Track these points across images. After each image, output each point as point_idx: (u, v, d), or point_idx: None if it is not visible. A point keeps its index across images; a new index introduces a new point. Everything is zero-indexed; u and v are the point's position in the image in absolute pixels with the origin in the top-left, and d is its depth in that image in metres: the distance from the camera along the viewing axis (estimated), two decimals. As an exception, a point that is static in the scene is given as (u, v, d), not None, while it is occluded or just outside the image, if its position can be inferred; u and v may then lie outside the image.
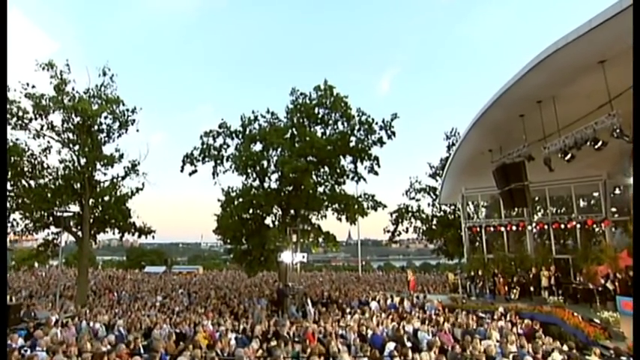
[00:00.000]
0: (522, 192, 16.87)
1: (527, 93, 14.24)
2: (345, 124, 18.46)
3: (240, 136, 20.26)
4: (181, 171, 20.07)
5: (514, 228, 20.86)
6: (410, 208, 26.77)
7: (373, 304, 18.42)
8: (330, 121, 18.64)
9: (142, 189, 21.14)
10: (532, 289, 17.87)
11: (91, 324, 11.47)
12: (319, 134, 18.66)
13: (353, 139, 18.21)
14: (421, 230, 26.98)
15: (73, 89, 19.14)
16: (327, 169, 19.42)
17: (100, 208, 20.44)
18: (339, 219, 18.89)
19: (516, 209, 21.06)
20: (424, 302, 18.61)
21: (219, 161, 19.90)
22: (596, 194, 20.52)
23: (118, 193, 20.78)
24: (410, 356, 8.16)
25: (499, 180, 17.72)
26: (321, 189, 18.80)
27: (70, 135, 19.54)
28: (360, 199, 18.51)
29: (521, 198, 17.05)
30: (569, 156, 12.87)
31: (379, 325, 12.82)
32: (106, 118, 19.91)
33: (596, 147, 12.00)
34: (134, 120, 20.51)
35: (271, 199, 17.97)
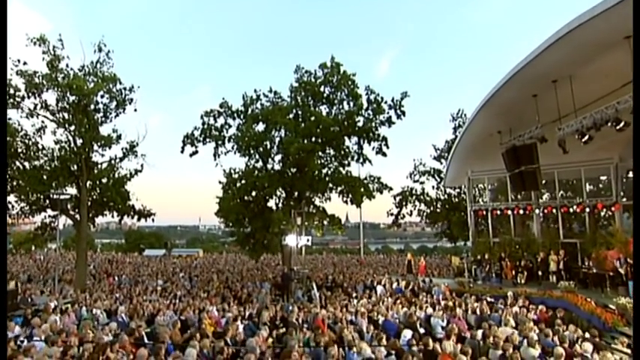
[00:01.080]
0: (534, 174, 16.42)
1: (542, 72, 13.65)
2: (352, 103, 17.70)
3: (242, 116, 19.50)
4: (182, 152, 19.39)
5: (521, 211, 20.40)
6: (414, 191, 26.25)
7: (379, 288, 18.11)
8: (336, 101, 17.86)
9: (140, 171, 20.45)
10: (540, 273, 17.54)
11: (92, 311, 10.94)
12: (324, 114, 17.92)
13: (360, 119, 17.49)
14: (425, 213, 26.53)
15: (67, 66, 18.18)
16: (332, 150, 18.74)
17: (98, 191, 19.76)
18: (346, 201, 18.39)
19: (523, 193, 20.77)
20: (430, 286, 18.34)
21: (220, 142, 19.17)
22: (603, 178, 20.09)
23: (117, 175, 20.08)
24: (430, 345, 7.70)
25: (509, 162, 17.22)
26: (325, 170, 18.13)
27: (65, 115, 18.67)
28: (366, 182, 17.91)
29: (532, 180, 16.60)
30: (586, 137, 12.41)
31: (389, 310, 12.45)
32: (102, 96, 19.01)
33: (617, 128, 11.48)
34: (132, 99, 19.66)
35: (275, 181, 17.35)
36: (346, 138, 18.30)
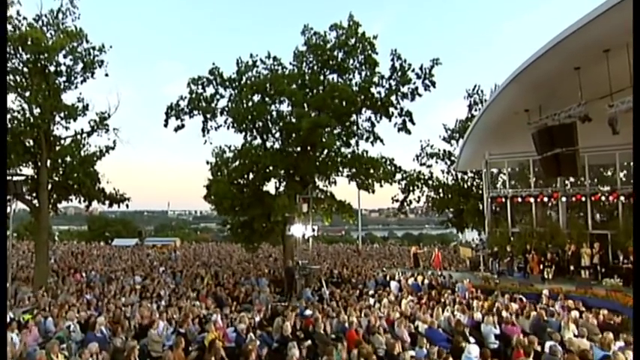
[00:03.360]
0: (572, 158, 15.30)
1: (594, 39, 12.32)
2: (368, 71, 15.80)
3: (236, 85, 17.29)
4: (165, 125, 17.04)
5: (545, 199, 19.33)
6: (421, 175, 24.86)
7: (393, 284, 16.77)
8: (349, 69, 15.92)
9: (113, 148, 18.02)
10: (572, 268, 16.57)
11: (62, 323, 8.87)
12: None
13: (379, 90, 15.64)
14: (433, 200, 25.21)
15: (18, 14, 15.27)
16: (342, 126, 16.86)
17: (61, 171, 17.20)
18: (360, 186, 16.62)
19: (543, 179, 19.77)
20: (448, 282, 17.15)
21: (210, 114, 16.96)
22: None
23: (84, 153, 17.56)
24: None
25: (541, 144, 16.03)
26: (337, 149, 16.29)
27: (18, 77, 15.93)
28: (385, 163, 16.21)
29: (570, 165, 15.46)
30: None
31: (422, 313, 11.02)
32: (65, 56, 16.30)
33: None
34: (102, 61, 17.02)
35: (278, 161, 15.41)
36: (355, 113, 16.43)
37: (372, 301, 13.79)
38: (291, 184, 16.09)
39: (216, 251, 28.79)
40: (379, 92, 15.59)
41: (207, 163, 18.40)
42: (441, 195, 24.66)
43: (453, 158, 25.22)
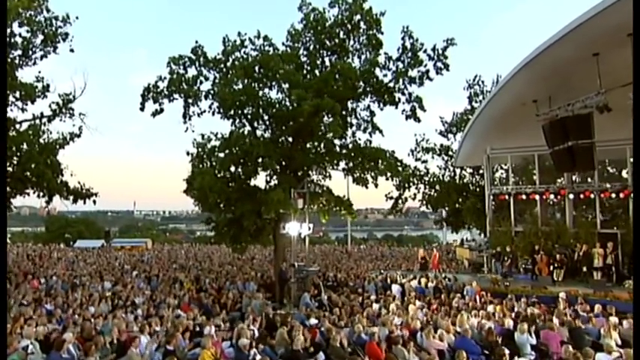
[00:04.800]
0: (589, 151, 14.87)
1: (619, 22, 11.65)
2: (371, 53, 14.71)
3: (222, 67, 15.89)
4: (141, 109, 15.36)
5: (552, 196, 18.83)
6: (417, 171, 24.03)
7: (395, 288, 15.84)
8: (350, 50, 14.78)
9: (79, 135, 16.23)
10: (584, 269, 16.04)
11: (16, 342, 7.30)
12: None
13: (386, 73, 14.57)
14: (429, 197, 24.39)
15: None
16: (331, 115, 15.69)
17: (16, 161, 15.27)
18: (357, 181, 15.54)
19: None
20: (454, 284, 16.34)
21: (192, 98, 15.48)
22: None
23: (44, 140, 15.70)
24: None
25: (553, 136, 15.61)
26: (332, 139, 15.15)
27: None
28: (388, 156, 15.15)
29: (586, 158, 15.05)
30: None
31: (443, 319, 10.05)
32: (21, 25, 14.42)
33: None
34: (66, 34, 15.23)
35: (271, 151, 14.12)
36: (356, 98, 15.34)
37: (376, 306, 12.77)
38: (285, 177, 14.82)
39: (194, 253, 27.08)
40: (385, 75, 14.56)
41: (188, 153, 16.93)
42: (439, 192, 23.90)
43: (450, 153, 24.54)
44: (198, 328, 9.69)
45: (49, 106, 15.90)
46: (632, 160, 19.28)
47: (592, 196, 18.11)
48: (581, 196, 18.38)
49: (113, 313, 11.05)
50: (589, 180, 19.31)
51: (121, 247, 30.44)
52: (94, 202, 17.73)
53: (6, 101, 13.84)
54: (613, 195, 17.77)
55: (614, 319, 9.71)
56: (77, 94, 15.99)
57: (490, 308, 11.89)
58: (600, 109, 13.21)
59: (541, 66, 14.11)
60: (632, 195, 17.59)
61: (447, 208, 24.95)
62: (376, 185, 15.35)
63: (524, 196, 19.45)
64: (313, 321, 10.50)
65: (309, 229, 15.11)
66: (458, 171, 24.77)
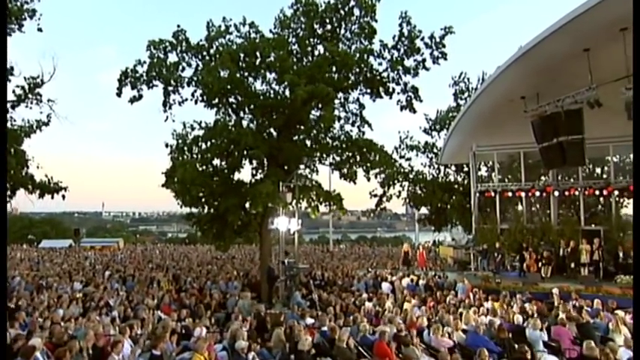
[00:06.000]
0: (580, 146, 14.69)
1: (612, 16, 11.52)
2: (363, 42, 14.07)
3: (205, 54, 14.90)
4: (118, 95, 14.13)
5: (537, 193, 18.74)
6: (401, 168, 23.54)
7: (385, 286, 15.29)
8: (341, 39, 14.07)
9: (47, 124, 14.85)
10: (572, 265, 15.99)
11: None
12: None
13: (381, 62, 13.91)
14: (414, 195, 23.96)
15: None
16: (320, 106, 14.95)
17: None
18: (344, 176, 14.84)
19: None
20: (445, 282, 15.96)
21: (173, 85, 14.41)
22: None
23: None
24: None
25: (542, 132, 15.48)
26: (322, 130, 14.41)
27: None
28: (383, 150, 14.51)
29: (577, 153, 14.92)
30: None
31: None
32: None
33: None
34: (34, 11, 13.83)
35: (259, 142, 13.24)
36: (349, 89, 14.66)
37: (369, 305, 12.14)
38: (273, 169, 13.96)
39: (170, 253, 25.69)
40: (380, 64, 13.94)
41: (167, 145, 15.78)
42: (424, 190, 23.53)
43: (435, 151, 24.24)
44: (184, 331, 8.82)
45: (13, 91, 14.49)
46: (613, 158, 19.69)
47: (577, 193, 18.12)
48: (566, 193, 18.35)
49: (87, 315, 9.93)
50: (571, 180, 19.50)
51: (91, 247, 28.60)
52: (63, 196, 16.28)
53: (6, 102, 12.88)
54: (597, 192, 17.76)
55: (621, 313, 9.39)
56: (45, 78, 14.62)
57: (488, 305, 11.56)
58: (591, 104, 13.10)
59: (531, 62, 13.86)
60: (614, 193, 17.80)
61: (429, 207, 24.61)
62: (368, 179, 14.78)
63: (510, 194, 19.31)
64: (309, 320, 9.73)
65: (298, 224, 14.36)
66: (442, 169, 24.53)
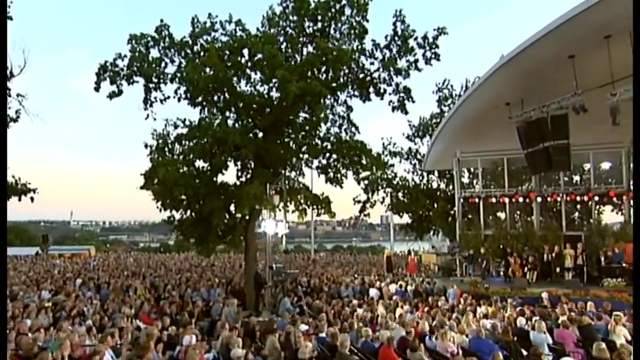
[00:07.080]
0: (565, 151, 14.77)
1: (596, 24, 11.73)
2: (353, 41, 13.75)
3: (188, 51, 14.25)
4: (96, 90, 13.21)
5: (521, 199, 18.83)
6: (385, 175, 23.30)
7: (373, 292, 14.88)
8: (332, 38, 13.69)
9: (16, 120, 13.77)
10: (557, 270, 16.06)
11: None
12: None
13: (373, 62, 13.57)
14: (398, 201, 23.73)
15: None
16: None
17: None
18: (331, 180, 14.37)
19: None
20: (434, 287, 15.68)
21: (155, 81, 13.66)
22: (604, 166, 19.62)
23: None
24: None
25: (528, 138, 15.53)
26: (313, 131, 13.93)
27: None
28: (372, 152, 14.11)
29: (562, 158, 15.05)
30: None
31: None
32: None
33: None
34: (5, -1, 12.87)
35: (247, 141, 12.62)
36: (339, 90, 14.28)
37: (360, 310, 11.66)
38: (260, 171, 13.34)
39: (145, 261, 24.44)
40: (372, 64, 13.63)
41: (146, 146, 14.93)
42: (408, 196, 23.35)
43: (418, 157, 24.18)
44: (167, 339, 8.06)
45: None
46: (590, 163, 20.01)
47: (558, 199, 18.30)
48: (549, 199, 18.51)
49: (58, 325, 8.99)
50: (552, 186, 19.70)
51: (60, 255, 26.94)
52: (32, 199, 15.25)
53: (6, 102, 12.20)
54: (578, 198, 17.98)
55: (620, 315, 9.25)
56: (15, 71, 13.56)
57: (483, 309, 11.29)
58: (577, 110, 13.18)
59: (516, 68, 13.84)
60: (594, 198, 18.07)
61: (411, 214, 24.46)
62: (358, 182, 14.41)
63: (494, 200, 19.32)
64: (303, 327, 9.13)
65: (286, 228, 13.77)
66: (426, 175, 24.48)
